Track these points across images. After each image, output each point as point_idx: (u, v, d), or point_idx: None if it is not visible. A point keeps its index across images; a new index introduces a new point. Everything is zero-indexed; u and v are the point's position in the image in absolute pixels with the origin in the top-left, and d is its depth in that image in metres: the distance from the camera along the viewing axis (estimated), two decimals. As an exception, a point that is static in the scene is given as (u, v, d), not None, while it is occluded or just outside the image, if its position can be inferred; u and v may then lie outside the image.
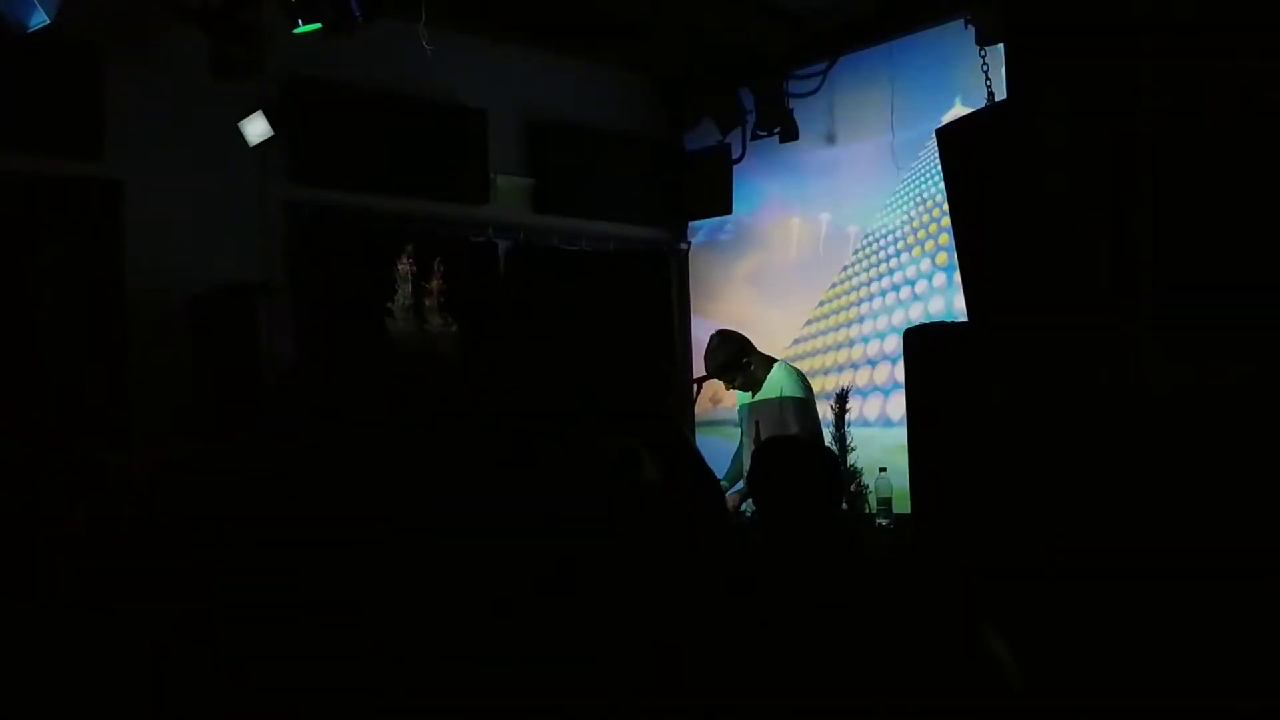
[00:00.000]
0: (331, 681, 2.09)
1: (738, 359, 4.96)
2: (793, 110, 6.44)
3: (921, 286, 6.00)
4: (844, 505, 4.63)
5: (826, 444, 4.93)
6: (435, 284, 4.94)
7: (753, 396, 5.02)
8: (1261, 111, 2.21)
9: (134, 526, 2.60)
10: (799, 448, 3.42)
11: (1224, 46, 2.26)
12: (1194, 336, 2.35)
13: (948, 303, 5.70)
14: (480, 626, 2.14)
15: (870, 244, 6.35)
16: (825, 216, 6.61)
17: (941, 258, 5.84)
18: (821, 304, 6.58)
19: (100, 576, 2.17)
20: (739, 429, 5.22)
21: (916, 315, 5.89)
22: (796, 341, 6.66)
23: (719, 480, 3.47)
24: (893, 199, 6.22)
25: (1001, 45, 4.65)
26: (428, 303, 4.94)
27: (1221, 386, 2.29)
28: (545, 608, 2.13)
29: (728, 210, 6.96)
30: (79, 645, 2.00)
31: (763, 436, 4.85)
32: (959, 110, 5.63)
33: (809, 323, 6.62)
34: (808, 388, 4.98)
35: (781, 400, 4.87)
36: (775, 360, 5.16)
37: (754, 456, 3.17)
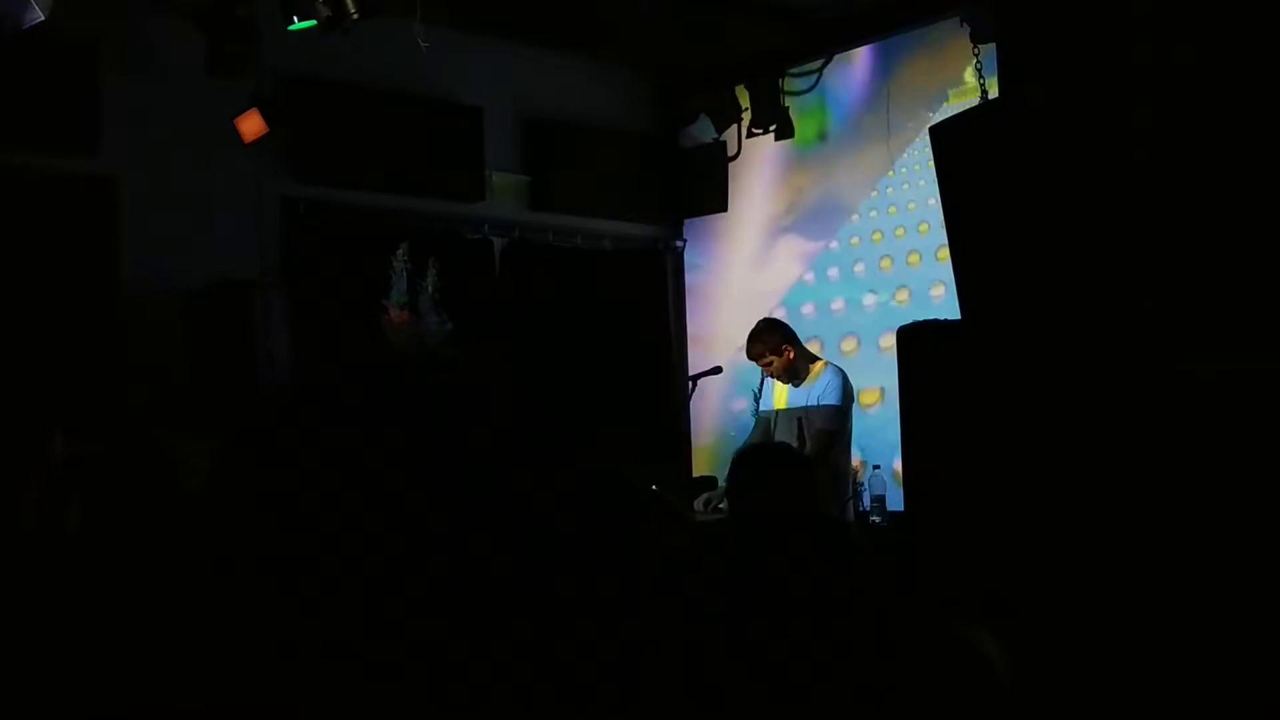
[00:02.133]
0: (331, 681, 2.10)
1: (778, 346, 5.07)
2: (788, 108, 6.45)
3: (916, 283, 6.01)
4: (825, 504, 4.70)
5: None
6: (431, 281, 4.94)
7: (795, 386, 5.11)
8: (1256, 107, 2.22)
9: (132, 522, 2.60)
10: (775, 455, 3.47)
11: (1219, 40, 2.26)
12: (1192, 334, 2.35)
13: (942, 299, 5.70)
14: (475, 630, 2.15)
15: (865, 240, 6.35)
16: (821, 214, 6.61)
17: (936, 255, 5.84)
18: (818, 297, 6.59)
19: (94, 573, 2.17)
20: (763, 423, 5.26)
21: (910, 312, 5.89)
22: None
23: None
24: (887, 196, 6.23)
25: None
26: (423, 300, 4.94)
27: (1219, 385, 2.29)
28: (532, 606, 2.14)
29: (723, 207, 6.96)
30: (70, 637, 2.00)
31: (808, 441, 4.91)
32: (954, 108, 5.64)
33: (806, 315, 6.62)
34: (850, 395, 5.08)
35: (823, 407, 4.98)
36: (820, 360, 5.21)
37: (733, 463, 3.20)
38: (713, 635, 2.08)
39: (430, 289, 4.96)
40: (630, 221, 7.03)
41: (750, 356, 5.17)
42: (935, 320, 3.06)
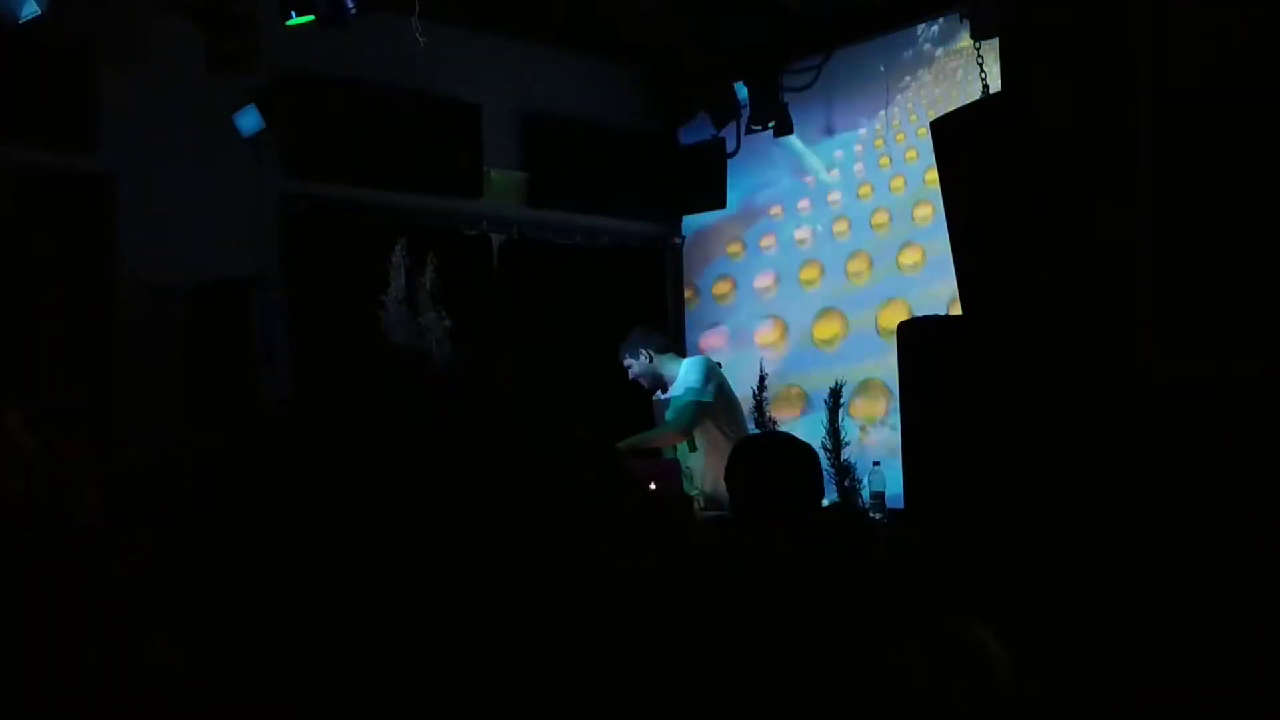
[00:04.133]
0: (329, 679, 2.09)
1: (637, 353, 5.16)
2: (787, 104, 6.44)
3: (915, 279, 6.00)
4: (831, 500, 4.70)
5: (791, 434, 5.03)
6: (429, 278, 4.93)
7: (663, 393, 5.22)
8: (1261, 99, 2.21)
9: (132, 519, 2.59)
10: (775, 444, 3.43)
11: (1223, 34, 2.25)
12: (1193, 332, 2.34)
13: (940, 296, 5.69)
14: (473, 623, 2.14)
15: (865, 237, 6.35)
16: (819, 211, 6.60)
17: (936, 250, 5.83)
18: (817, 295, 6.58)
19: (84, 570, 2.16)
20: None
21: (908, 308, 5.88)
22: (792, 334, 6.65)
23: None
24: (888, 192, 6.22)
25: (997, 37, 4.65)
26: (421, 297, 4.93)
27: (1220, 383, 2.28)
28: (527, 600, 2.14)
29: (722, 204, 6.94)
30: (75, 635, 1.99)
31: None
32: (954, 103, 5.64)
33: (805, 314, 6.62)
34: (708, 379, 5.02)
35: (683, 400, 5.00)
36: (682, 359, 5.27)
37: (731, 455, 3.13)
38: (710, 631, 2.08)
39: (428, 286, 4.95)
40: (629, 218, 7.02)
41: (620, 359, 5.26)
42: (935, 316, 3.06)
